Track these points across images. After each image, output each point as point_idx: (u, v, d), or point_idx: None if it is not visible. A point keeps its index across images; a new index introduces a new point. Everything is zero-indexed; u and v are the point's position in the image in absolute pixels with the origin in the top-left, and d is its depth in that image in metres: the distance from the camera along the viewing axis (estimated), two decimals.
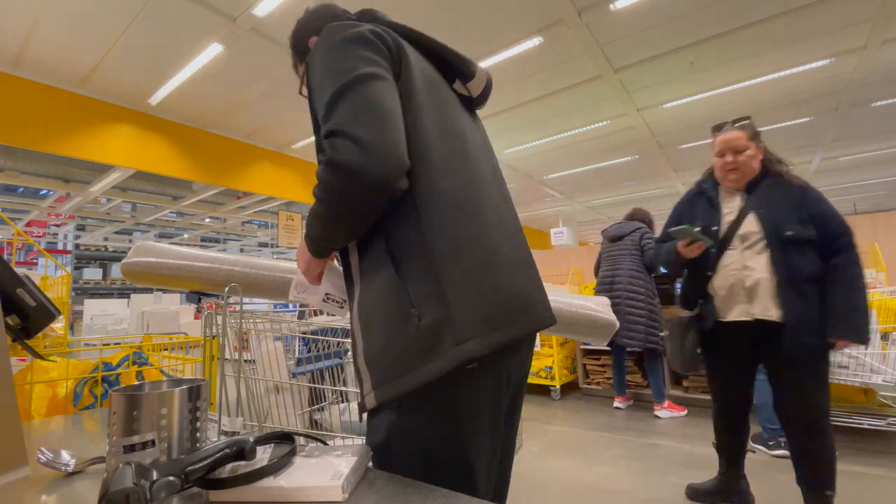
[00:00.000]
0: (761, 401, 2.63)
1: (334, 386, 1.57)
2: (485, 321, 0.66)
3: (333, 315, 0.91)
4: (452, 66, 0.87)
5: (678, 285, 4.04)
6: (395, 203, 0.69)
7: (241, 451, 0.54)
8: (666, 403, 3.41)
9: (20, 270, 0.88)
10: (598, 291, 3.58)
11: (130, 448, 0.54)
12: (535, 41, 4.11)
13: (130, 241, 13.45)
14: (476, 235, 0.71)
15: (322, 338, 1.49)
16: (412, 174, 0.69)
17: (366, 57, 0.71)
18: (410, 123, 0.71)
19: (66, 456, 0.62)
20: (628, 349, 3.58)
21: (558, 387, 4.00)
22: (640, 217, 3.74)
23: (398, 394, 0.65)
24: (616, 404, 3.68)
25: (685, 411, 3.41)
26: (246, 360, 1.53)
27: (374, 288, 0.70)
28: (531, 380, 4.03)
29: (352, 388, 1.51)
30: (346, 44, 0.72)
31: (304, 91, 0.86)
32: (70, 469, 0.61)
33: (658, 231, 3.77)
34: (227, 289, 1.30)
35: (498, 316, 0.68)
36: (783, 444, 2.53)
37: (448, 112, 0.80)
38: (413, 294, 0.66)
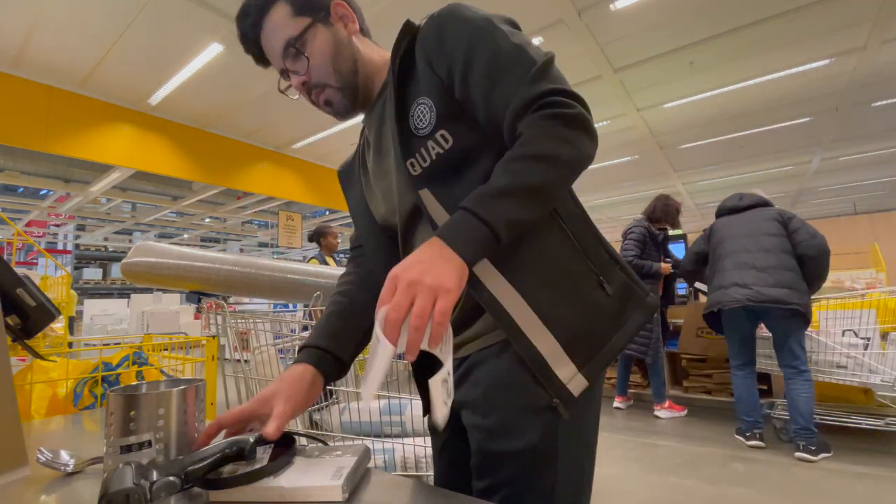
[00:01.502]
0: (736, 394, 2.76)
1: (335, 386, 1.57)
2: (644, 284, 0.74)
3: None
4: None
5: (679, 286, 4.05)
6: None
7: (241, 452, 0.54)
8: (666, 403, 3.41)
9: (20, 270, 0.88)
10: None
11: (127, 448, 0.54)
12: (535, 41, 4.11)
13: (130, 241, 13.45)
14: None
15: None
16: None
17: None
18: None
19: (65, 456, 0.62)
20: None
21: None
22: (651, 212, 3.58)
23: (606, 363, 0.66)
24: (616, 404, 3.68)
25: (685, 411, 3.41)
26: (246, 360, 1.53)
27: (550, 263, 0.66)
28: None
29: (352, 388, 1.52)
30: (514, 22, 0.70)
31: (293, 66, 0.75)
32: (69, 469, 0.61)
33: (682, 220, 3.72)
34: (314, 296, 1.30)
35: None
36: (758, 436, 2.66)
37: None
38: (596, 265, 0.68)
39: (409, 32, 0.70)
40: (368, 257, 0.84)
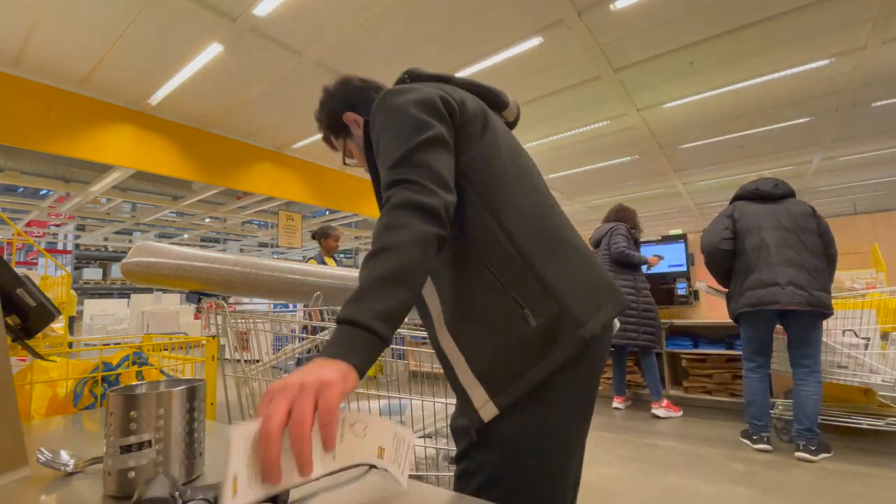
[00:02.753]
0: (749, 397, 2.68)
1: None
2: (593, 304, 0.76)
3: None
4: (491, 98, 0.97)
5: (679, 286, 4.05)
6: (480, 222, 0.75)
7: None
8: (664, 402, 3.42)
9: (20, 270, 0.88)
10: None
11: (127, 448, 0.54)
12: (535, 41, 4.11)
13: (130, 241, 13.45)
14: (557, 236, 0.80)
15: (324, 337, 1.49)
16: (492, 191, 0.77)
17: (429, 122, 0.75)
18: (487, 147, 0.80)
19: (65, 456, 0.62)
20: (630, 349, 3.57)
21: None
22: (615, 216, 3.74)
23: (522, 392, 0.70)
24: (615, 404, 3.68)
25: (680, 412, 3.42)
26: (246, 361, 1.53)
27: (469, 303, 0.74)
28: None
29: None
30: (412, 108, 0.76)
31: (350, 161, 1.03)
32: (69, 469, 0.61)
33: (656, 225, 3.77)
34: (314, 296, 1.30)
35: (599, 297, 0.78)
36: (766, 439, 2.62)
37: (509, 137, 0.89)
38: (520, 298, 0.72)
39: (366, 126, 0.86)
40: None
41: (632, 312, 3.40)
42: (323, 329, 1.46)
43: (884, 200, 11.22)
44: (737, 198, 2.87)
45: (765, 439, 2.62)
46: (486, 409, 0.72)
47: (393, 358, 1.67)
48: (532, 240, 0.76)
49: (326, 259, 4.20)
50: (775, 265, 2.55)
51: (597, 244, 3.65)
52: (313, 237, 4.35)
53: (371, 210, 8.46)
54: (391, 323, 0.56)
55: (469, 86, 0.94)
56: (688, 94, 5.24)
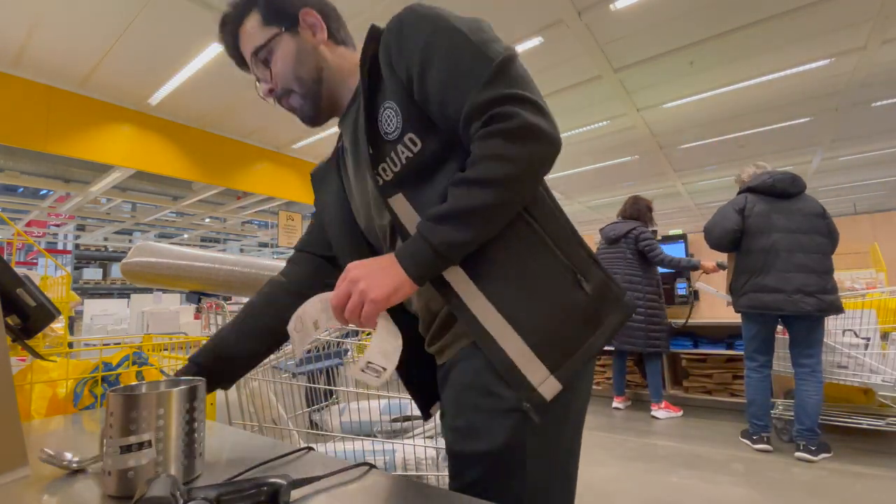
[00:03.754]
0: (750, 396, 2.67)
1: (335, 386, 1.57)
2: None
3: (367, 379, 0.65)
4: None
5: (679, 286, 4.04)
6: None
7: (275, 493, 0.53)
8: (663, 404, 3.42)
9: (20, 270, 0.88)
10: None
11: (127, 448, 0.54)
12: (535, 41, 4.11)
13: (130, 241, 13.45)
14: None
15: (325, 337, 1.49)
16: None
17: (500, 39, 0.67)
18: None
19: (67, 455, 0.62)
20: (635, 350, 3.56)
21: None
22: (633, 213, 3.60)
23: (582, 364, 0.64)
24: (615, 405, 3.68)
25: (681, 412, 3.41)
26: None
27: (517, 267, 0.65)
28: None
29: (352, 389, 1.52)
30: (475, 21, 0.69)
31: (261, 74, 0.82)
32: (74, 466, 0.61)
33: (656, 217, 3.73)
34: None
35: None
36: (766, 439, 2.61)
37: None
38: (572, 262, 0.67)
39: (374, 37, 0.70)
40: (338, 257, 0.86)
41: (639, 321, 3.36)
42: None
43: (884, 200, 11.22)
44: (749, 190, 2.72)
45: (765, 439, 2.61)
46: (548, 386, 0.62)
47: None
48: (563, 213, 0.71)
49: None
50: (784, 271, 2.49)
51: (615, 241, 3.50)
52: None
53: None
54: (460, 251, 0.61)
55: None
56: (688, 94, 5.25)
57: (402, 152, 0.66)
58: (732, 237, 2.67)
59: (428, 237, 0.60)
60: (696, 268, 3.37)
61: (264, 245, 14.50)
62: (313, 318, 0.69)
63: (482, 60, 0.61)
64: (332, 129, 6.01)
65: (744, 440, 2.74)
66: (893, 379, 2.41)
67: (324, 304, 0.68)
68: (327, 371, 1.59)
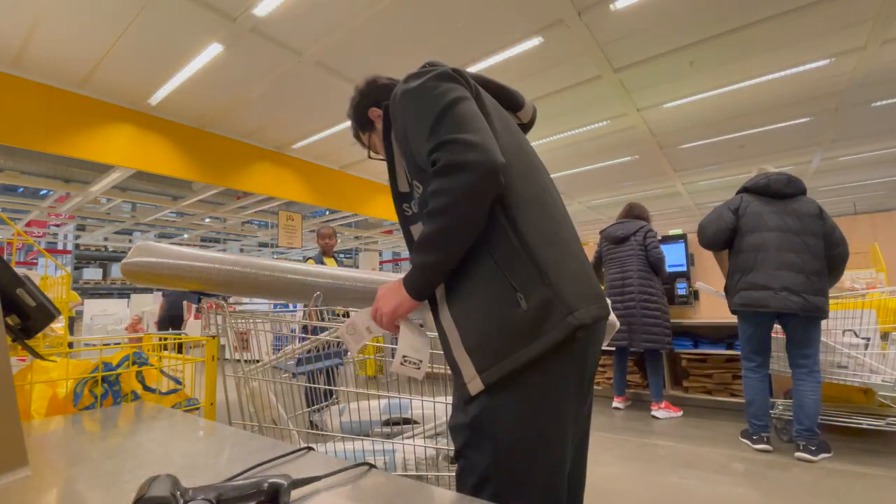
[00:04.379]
0: (748, 397, 2.67)
1: (334, 386, 1.57)
2: (583, 297, 0.80)
3: (409, 372, 0.88)
4: (505, 98, 1.03)
5: (679, 286, 4.04)
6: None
7: (275, 493, 0.53)
8: (663, 404, 3.42)
9: (20, 270, 0.88)
10: (608, 295, 3.53)
11: None
12: (535, 41, 4.11)
13: (130, 241, 13.45)
14: (556, 230, 0.85)
15: (325, 336, 1.49)
16: None
17: (452, 87, 0.85)
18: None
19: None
20: (631, 349, 3.57)
21: None
22: (638, 213, 3.68)
23: (510, 370, 0.74)
24: (615, 404, 3.68)
25: (681, 412, 3.41)
26: (246, 361, 1.53)
27: (467, 283, 0.80)
28: None
29: (352, 389, 1.52)
30: (432, 81, 0.85)
31: (374, 155, 1.11)
32: None
33: (656, 225, 3.76)
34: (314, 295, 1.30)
35: (590, 294, 0.82)
36: (766, 439, 2.60)
37: (515, 132, 0.95)
38: (515, 280, 0.76)
39: (386, 112, 0.93)
40: None
41: (658, 317, 3.36)
42: (323, 329, 1.46)
43: (884, 200, 11.22)
44: (745, 190, 2.78)
45: (764, 439, 2.61)
46: (474, 384, 0.76)
47: (393, 358, 1.67)
48: (532, 227, 0.80)
49: (326, 259, 4.21)
50: (773, 269, 2.52)
51: (623, 240, 3.52)
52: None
53: (370, 210, 8.46)
54: (434, 270, 0.80)
55: (485, 83, 1.00)
56: (688, 94, 5.25)
57: (415, 194, 0.88)
58: (726, 236, 2.72)
59: (413, 262, 0.82)
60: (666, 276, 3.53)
61: (264, 245, 14.50)
62: (365, 325, 0.92)
63: (428, 118, 0.80)
64: (333, 130, 6.01)
65: (744, 440, 2.73)
66: (893, 379, 2.41)
67: (369, 316, 0.91)
68: (327, 371, 1.59)
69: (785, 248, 2.54)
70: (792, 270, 2.50)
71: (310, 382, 1.55)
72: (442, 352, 0.86)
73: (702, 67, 4.64)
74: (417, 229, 0.87)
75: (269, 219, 10.13)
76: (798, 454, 2.45)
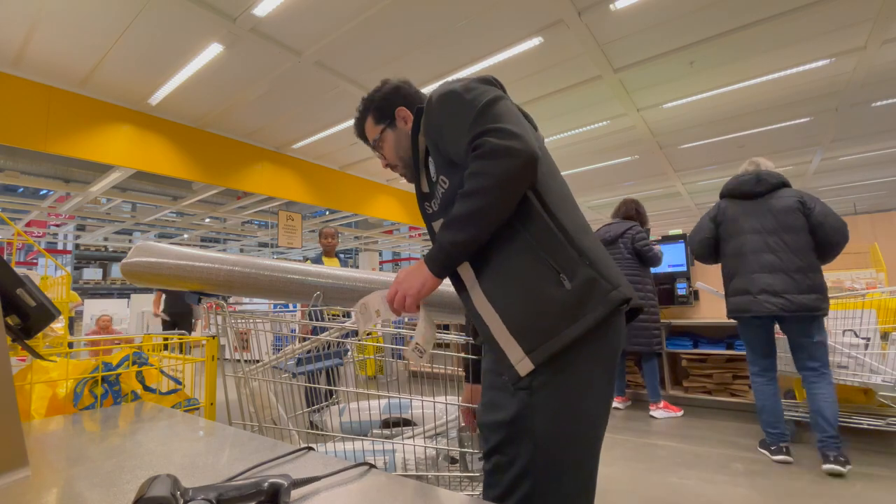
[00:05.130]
0: (759, 403, 2.57)
1: (335, 386, 1.57)
2: (619, 279, 0.83)
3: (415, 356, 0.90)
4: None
5: (679, 286, 4.04)
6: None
7: (275, 493, 0.53)
8: (662, 403, 3.42)
9: (20, 271, 0.88)
10: None
11: None
12: (535, 41, 4.11)
13: (130, 241, 13.45)
14: (584, 224, 0.90)
15: (326, 337, 1.49)
16: None
17: (493, 89, 0.89)
18: None
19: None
20: (628, 350, 3.57)
21: None
22: (627, 212, 3.64)
23: (560, 347, 0.76)
24: (615, 405, 3.68)
25: (681, 412, 3.41)
26: (246, 361, 1.53)
27: (505, 267, 0.83)
28: None
29: (352, 389, 1.51)
30: (475, 83, 0.90)
31: (377, 150, 1.10)
32: None
33: (650, 221, 3.74)
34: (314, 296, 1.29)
35: (622, 279, 0.85)
36: (785, 450, 2.46)
37: (538, 136, 0.98)
38: (556, 262, 0.79)
39: (417, 115, 0.98)
40: None
41: (646, 319, 3.38)
42: (323, 329, 1.46)
43: (884, 200, 11.22)
44: (721, 195, 2.76)
45: (783, 450, 2.45)
46: (523, 365, 0.77)
47: (393, 358, 1.67)
48: (566, 215, 0.85)
49: (327, 259, 4.21)
50: (750, 273, 2.50)
51: (612, 241, 3.50)
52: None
53: (370, 210, 8.46)
54: (462, 249, 0.83)
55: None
56: (688, 94, 5.24)
57: (439, 189, 0.92)
58: (710, 245, 2.72)
59: (440, 239, 0.84)
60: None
61: (264, 245, 14.50)
62: (375, 308, 0.93)
63: (470, 111, 0.84)
64: (333, 130, 6.01)
65: (761, 451, 2.59)
66: (893, 379, 2.40)
67: (382, 298, 0.92)
68: (327, 371, 1.59)
69: (760, 249, 2.49)
70: (771, 272, 2.44)
71: (309, 382, 1.55)
72: (443, 351, 0.87)
73: (702, 67, 4.64)
74: (439, 225, 0.90)
75: (269, 219, 10.12)
76: (827, 467, 2.26)
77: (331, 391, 1.62)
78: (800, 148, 7.04)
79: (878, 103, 5.50)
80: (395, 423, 1.54)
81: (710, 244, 2.72)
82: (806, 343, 2.43)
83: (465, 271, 0.88)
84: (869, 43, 4.21)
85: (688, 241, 2.88)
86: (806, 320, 2.41)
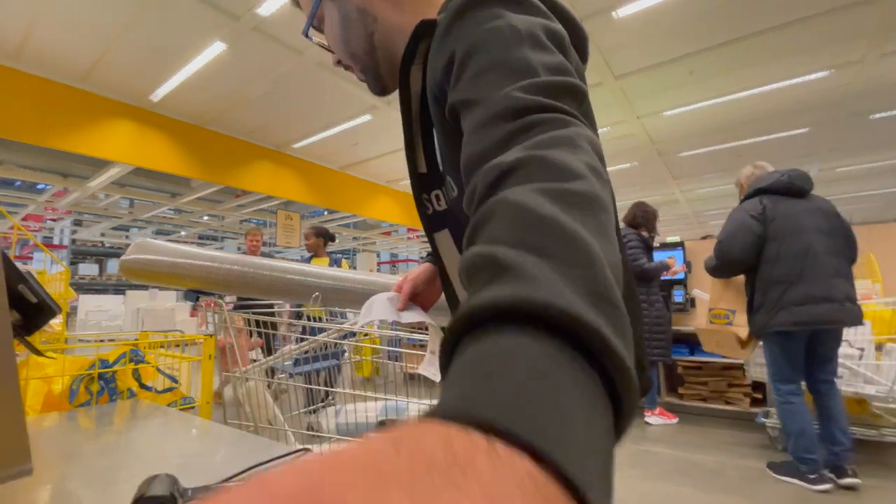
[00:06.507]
0: (796, 427, 2.26)
1: (332, 388, 1.57)
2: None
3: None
4: (579, 40, 0.86)
5: (676, 293, 4.06)
6: None
7: None
8: (657, 410, 3.42)
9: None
10: None
11: None
12: None
13: (127, 237, 13.40)
14: None
15: (323, 338, 1.49)
16: None
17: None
18: None
19: None
20: None
21: None
22: (632, 219, 3.55)
23: None
24: None
25: (676, 419, 3.42)
26: (252, 360, 1.53)
27: None
28: None
29: (349, 391, 1.52)
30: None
31: (313, 33, 0.66)
32: None
33: (658, 226, 3.68)
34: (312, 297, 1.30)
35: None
36: (825, 478, 2.20)
37: None
38: None
39: (427, 33, 0.50)
40: None
41: (657, 328, 3.33)
42: (321, 330, 1.46)
43: (880, 212, 11.29)
44: (762, 191, 2.42)
45: (825, 478, 2.19)
46: None
47: (390, 360, 1.68)
48: None
49: (317, 260, 4.10)
50: (829, 276, 2.18)
51: None
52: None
53: (369, 211, 8.46)
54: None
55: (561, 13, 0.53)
56: (688, 103, 5.27)
57: (451, 190, 0.57)
58: (756, 248, 2.31)
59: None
60: (663, 270, 3.36)
61: (263, 244, 14.46)
62: (381, 307, 0.83)
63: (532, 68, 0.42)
64: (334, 130, 6.02)
65: (792, 480, 2.26)
66: (887, 390, 2.42)
67: (392, 301, 0.82)
68: (325, 372, 1.59)
69: (831, 252, 2.22)
70: (843, 277, 2.21)
71: (307, 383, 1.55)
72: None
73: (702, 77, 4.67)
74: (442, 240, 0.61)
75: (269, 217, 10.11)
76: (847, 481, 2.16)
77: (327, 392, 1.62)
78: (797, 158, 7.09)
79: (877, 115, 5.55)
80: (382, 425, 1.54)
81: (759, 246, 2.31)
82: (834, 356, 2.30)
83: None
84: (867, 56, 4.25)
85: (723, 245, 2.39)
86: (840, 331, 2.28)
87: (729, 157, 7.05)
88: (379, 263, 17.50)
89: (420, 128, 0.58)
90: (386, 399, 1.55)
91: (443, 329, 0.79)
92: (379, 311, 0.81)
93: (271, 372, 1.70)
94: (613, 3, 3.59)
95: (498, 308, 0.18)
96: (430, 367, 0.80)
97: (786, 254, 2.26)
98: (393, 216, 8.97)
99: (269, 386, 1.57)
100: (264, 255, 4.08)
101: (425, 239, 0.74)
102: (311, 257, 4.14)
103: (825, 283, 2.18)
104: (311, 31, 0.66)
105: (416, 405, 1.51)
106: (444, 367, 0.19)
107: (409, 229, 10.84)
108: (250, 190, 6.73)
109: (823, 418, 2.29)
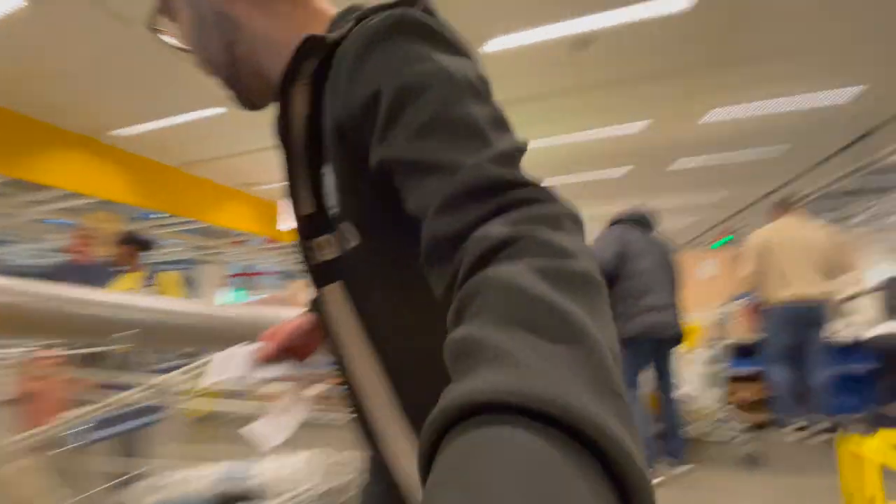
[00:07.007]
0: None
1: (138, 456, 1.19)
2: None
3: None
4: None
5: None
6: None
7: None
8: None
9: None
10: None
11: None
12: None
13: None
14: None
15: (130, 395, 1.11)
16: None
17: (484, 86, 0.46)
18: None
19: None
20: None
21: None
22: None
23: None
24: None
25: None
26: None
27: None
28: None
29: (162, 459, 1.16)
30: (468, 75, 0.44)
31: (162, 26, 0.56)
32: None
33: None
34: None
35: None
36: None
37: None
38: None
39: (315, 50, 0.44)
40: None
41: None
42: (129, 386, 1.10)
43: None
44: (617, 221, 3.05)
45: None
46: None
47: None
48: None
49: (127, 278, 2.78)
50: (662, 292, 2.69)
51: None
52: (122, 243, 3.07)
53: (218, 217, 7.48)
54: None
55: None
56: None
57: (348, 240, 0.47)
58: (612, 264, 2.74)
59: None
60: None
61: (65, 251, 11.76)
62: (241, 362, 0.71)
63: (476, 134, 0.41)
64: (176, 119, 5.14)
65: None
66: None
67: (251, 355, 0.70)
68: (132, 435, 1.20)
69: (664, 275, 2.85)
70: (670, 295, 2.83)
71: (110, 453, 1.15)
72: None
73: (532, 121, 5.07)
74: (331, 294, 0.50)
75: (75, 219, 8.25)
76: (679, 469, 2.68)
77: (134, 462, 1.23)
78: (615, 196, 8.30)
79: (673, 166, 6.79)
80: (235, 500, 1.22)
81: (615, 265, 2.80)
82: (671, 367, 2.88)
83: None
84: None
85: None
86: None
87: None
88: (231, 276, 15.66)
89: (306, 158, 0.47)
90: (226, 462, 1.23)
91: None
92: (239, 367, 0.70)
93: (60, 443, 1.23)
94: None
95: (498, 400, 0.18)
96: (267, 428, 0.67)
97: (637, 271, 2.73)
98: (245, 224, 8.11)
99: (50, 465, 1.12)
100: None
101: (284, 250, 0.52)
102: (114, 272, 2.82)
103: (661, 295, 2.72)
104: (161, 22, 0.55)
105: (271, 466, 1.23)
106: (427, 454, 0.19)
107: (267, 240, 9.85)
108: (47, 185, 5.40)
109: (670, 419, 2.76)
